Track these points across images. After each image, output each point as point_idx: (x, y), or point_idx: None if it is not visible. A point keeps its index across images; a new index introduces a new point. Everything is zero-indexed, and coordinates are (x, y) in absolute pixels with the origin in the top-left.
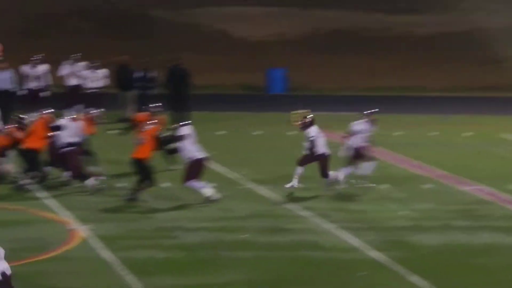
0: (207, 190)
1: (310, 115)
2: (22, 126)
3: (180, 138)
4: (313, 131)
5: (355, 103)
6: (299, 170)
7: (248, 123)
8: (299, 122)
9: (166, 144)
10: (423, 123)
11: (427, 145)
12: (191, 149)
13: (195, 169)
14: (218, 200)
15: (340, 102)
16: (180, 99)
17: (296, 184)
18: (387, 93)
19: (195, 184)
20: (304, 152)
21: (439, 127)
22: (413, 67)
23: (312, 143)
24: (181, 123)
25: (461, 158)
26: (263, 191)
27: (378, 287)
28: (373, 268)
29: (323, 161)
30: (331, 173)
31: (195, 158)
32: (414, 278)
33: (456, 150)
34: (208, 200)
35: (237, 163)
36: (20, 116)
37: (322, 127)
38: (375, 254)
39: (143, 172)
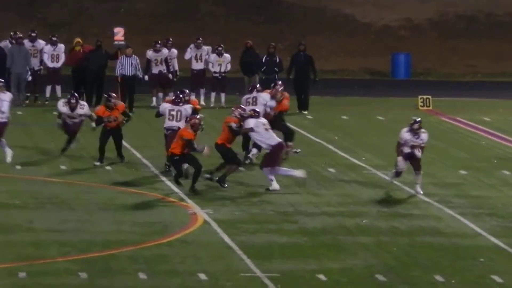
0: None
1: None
2: (109, 105)
3: (248, 130)
4: None
5: (480, 88)
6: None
7: (371, 108)
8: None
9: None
10: None
11: None
12: (268, 136)
13: (275, 155)
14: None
15: (465, 87)
16: (302, 85)
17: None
18: (511, 79)
19: (278, 170)
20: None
21: None
22: None
23: None
24: (247, 115)
25: None
26: (384, 176)
27: (499, 274)
28: (494, 254)
29: None
30: None
31: (273, 144)
32: None
33: None
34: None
35: (359, 148)
36: (110, 94)
37: (446, 112)
38: (496, 240)
39: (227, 156)
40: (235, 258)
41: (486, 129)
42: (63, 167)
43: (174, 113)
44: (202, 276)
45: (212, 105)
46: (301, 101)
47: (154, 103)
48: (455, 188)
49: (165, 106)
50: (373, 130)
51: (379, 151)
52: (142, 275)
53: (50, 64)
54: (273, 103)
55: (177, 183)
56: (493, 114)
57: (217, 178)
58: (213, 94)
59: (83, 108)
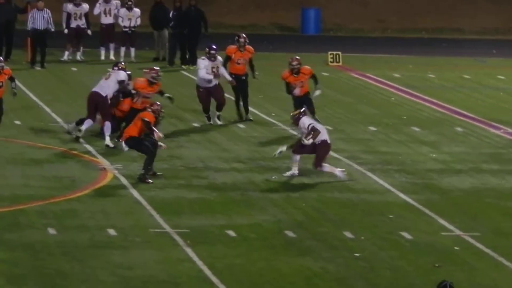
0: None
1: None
2: None
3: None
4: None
5: (390, 44)
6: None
7: (281, 63)
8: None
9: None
10: (457, 66)
11: (460, 88)
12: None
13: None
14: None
15: (375, 43)
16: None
17: None
18: (421, 35)
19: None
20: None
21: (472, 70)
22: (448, 7)
23: None
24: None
25: (494, 102)
26: (294, 132)
27: (408, 230)
28: (403, 210)
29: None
30: None
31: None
32: (443, 221)
33: (489, 93)
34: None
35: (269, 103)
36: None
37: (356, 69)
38: (405, 197)
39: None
40: (144, 213)
41: (396, 85)
42: None
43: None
44: (112, 232)
45: (121, 60)
46: (191, 57)
47: (65, 57)
48: (364, 144)
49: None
50: (281, 85)
51: (287, 105)
52: (51, 230)
53: None
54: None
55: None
56: (402, 71)
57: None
58: (122, 49)
59: None
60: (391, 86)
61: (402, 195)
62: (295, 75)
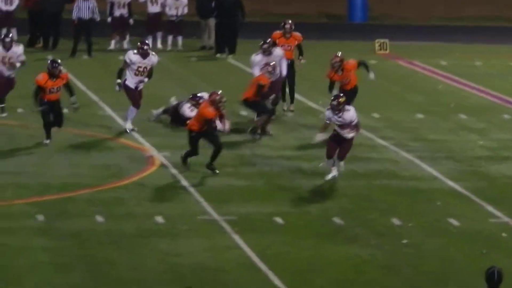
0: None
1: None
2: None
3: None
4: None
5: (437, 32)
6: None
7: (328, 52)
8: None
9: None
10: (503, 54)
11: (506, 76)
12: None
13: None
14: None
15: (422, 31)
16: (230, 27)
17: None
18: (469, 23)
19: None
20: None
21: None
22: None
23: None
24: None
25: None
26: None
27: (455, 217)
28: (450, 197)
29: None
30: None
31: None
32: (491, 208)
33: None
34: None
35: (316, 92)
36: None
37: (403, 56)
38: (453, 184)
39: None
40: (192, 201)
41: (443, 73)
42: (19, 110)
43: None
44: (159, 219)
45: (169, 49)
46: (230, 45)
47: (112, 46)
48: (412, 132)
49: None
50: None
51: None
52: (99, 218)
53: (3, 7)
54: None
55: (184, 161)
56: (449, 59)
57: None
58: (170, 38)
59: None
60: (438, 74)
61: (449, 182)
62: (340, 73)
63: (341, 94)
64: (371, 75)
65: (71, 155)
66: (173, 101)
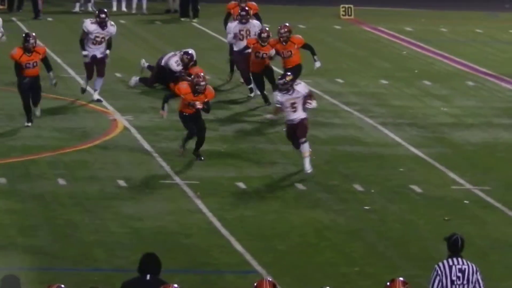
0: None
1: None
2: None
3: None
4: None
5: None
6: None
7: (293, 16)
8: None
9: None
10: (469, 20)
11: (472, 42)
12: None
13: None
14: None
15: None
16: None
17: None
18: None
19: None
20: None
21: (484, 24)
22: None
23: None
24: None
25: (506, 56)
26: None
27: (418, 183)
28: (414, 163)
29: None
30: None
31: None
32: (453, 175)
33: (501, 47)
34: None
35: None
36: None
37: (368, 22)
38: (416, 150)
39: None
40: (154, 165)
41: (408, 39)
42: None
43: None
44: (122, 183)
45: (133, 12)
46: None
47: (76, 8)
48: (376, 98)
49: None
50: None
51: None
52: (61, 181)
53: None
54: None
55: (183, 145)
56: (415, 24)
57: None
58: (134, 1)
59: None
60: (403, 40)
61: (413, 149)
62: (283, 43)
63: (288, 73)
64: (317, 64)
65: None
66: (144, 63)
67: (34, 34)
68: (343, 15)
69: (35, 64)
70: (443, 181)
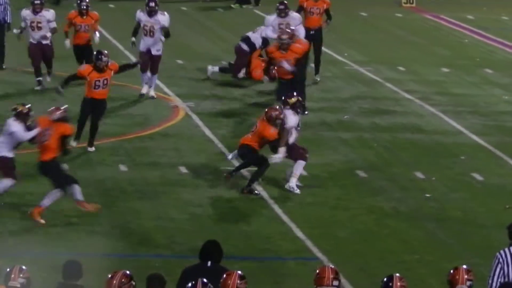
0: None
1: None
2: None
3: None
4: None
5: None
6: None
7: (354, 3)
8: None
9: None
10: None
11: None
12: None
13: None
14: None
15: None
16: None
17: None
18: None
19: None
20: None
21: None
22: None
23: None
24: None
25: None
26: (367, 72)
27: (479, 171)
28: (475, 151)
29: None
30: None
31: None
32: None
33: None
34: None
35: (342, 43)
36: None
37: (429, 10)
38: (477, 138)
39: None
40: (216, 151)
41: (469, 27)
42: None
43: None
44: (183, 169)
45: None
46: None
47: None
48: (437, 86)
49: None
50: (356, 26)
51: (361, 47)
52: (122, 167)
53: None
54: None
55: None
56: (476, 12)
57: None
58: None
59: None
60: (464, 28)
61: (474, 137)
62: (283, 51)
63: (294, 93)
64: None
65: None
66: (210, 69)
67: (106, 52)
68: (404, 3)
69: (105, 82)
70: (504, 169)
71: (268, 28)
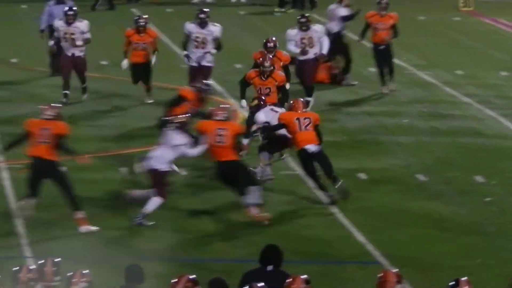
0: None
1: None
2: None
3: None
4: None
5: None
6: None
7: (412, 7)
8: None
9: None
10: None
11: None
12: None
13: None
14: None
15: None
16: None
17: None
18: None
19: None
20: None
21: None
22: None
23: None
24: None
25: None
26: (426, 76)
27: None
28: None
29: None
30: None
31: None
32: None
33: None
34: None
35: (400, 48)
36: None
37: (487, 14)
38: None
39: None
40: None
41: None
42: (103, 62)
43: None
44: None
45: (251, 2)
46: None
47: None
48: (496, 89)
49: None
50: (414, 30)
51: (420, 51)
52: (180, 170)
53: None
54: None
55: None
56: None
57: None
58: None
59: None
60: None
61: None
62: (263, 79)
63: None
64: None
65: (150, 107)
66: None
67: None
68: (462, 6)
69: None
70: None
71: (290, 42)
